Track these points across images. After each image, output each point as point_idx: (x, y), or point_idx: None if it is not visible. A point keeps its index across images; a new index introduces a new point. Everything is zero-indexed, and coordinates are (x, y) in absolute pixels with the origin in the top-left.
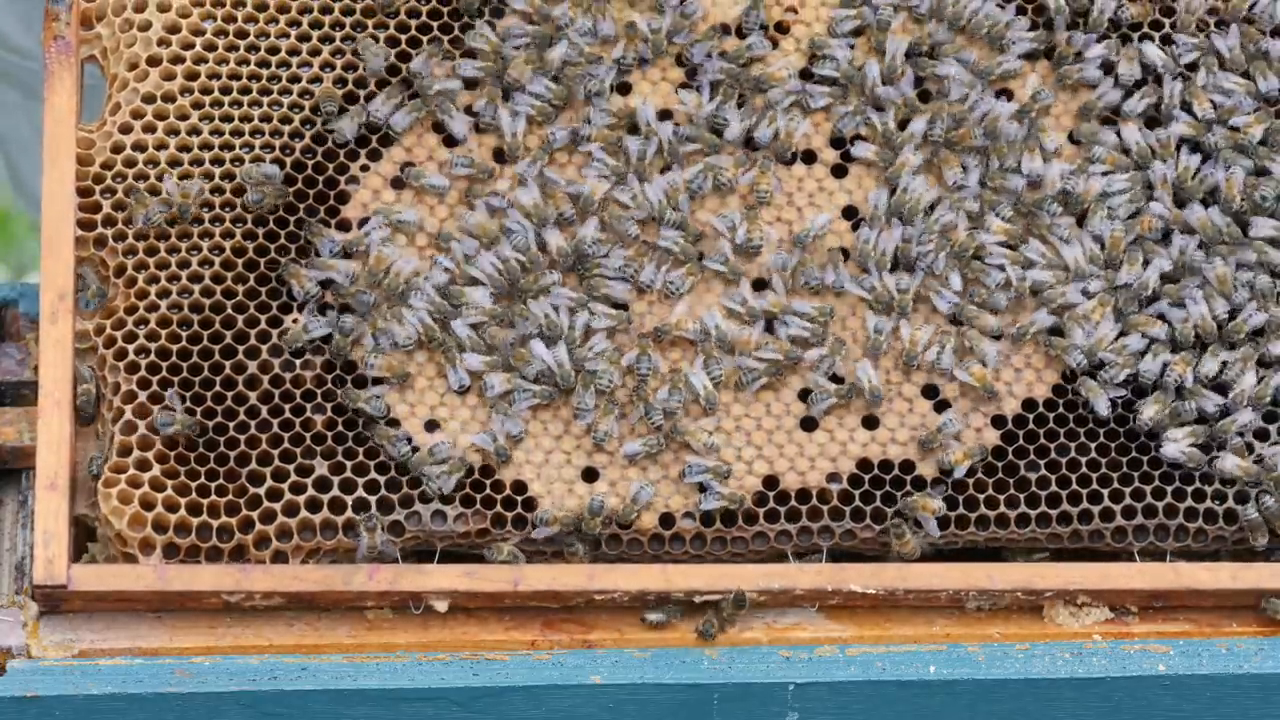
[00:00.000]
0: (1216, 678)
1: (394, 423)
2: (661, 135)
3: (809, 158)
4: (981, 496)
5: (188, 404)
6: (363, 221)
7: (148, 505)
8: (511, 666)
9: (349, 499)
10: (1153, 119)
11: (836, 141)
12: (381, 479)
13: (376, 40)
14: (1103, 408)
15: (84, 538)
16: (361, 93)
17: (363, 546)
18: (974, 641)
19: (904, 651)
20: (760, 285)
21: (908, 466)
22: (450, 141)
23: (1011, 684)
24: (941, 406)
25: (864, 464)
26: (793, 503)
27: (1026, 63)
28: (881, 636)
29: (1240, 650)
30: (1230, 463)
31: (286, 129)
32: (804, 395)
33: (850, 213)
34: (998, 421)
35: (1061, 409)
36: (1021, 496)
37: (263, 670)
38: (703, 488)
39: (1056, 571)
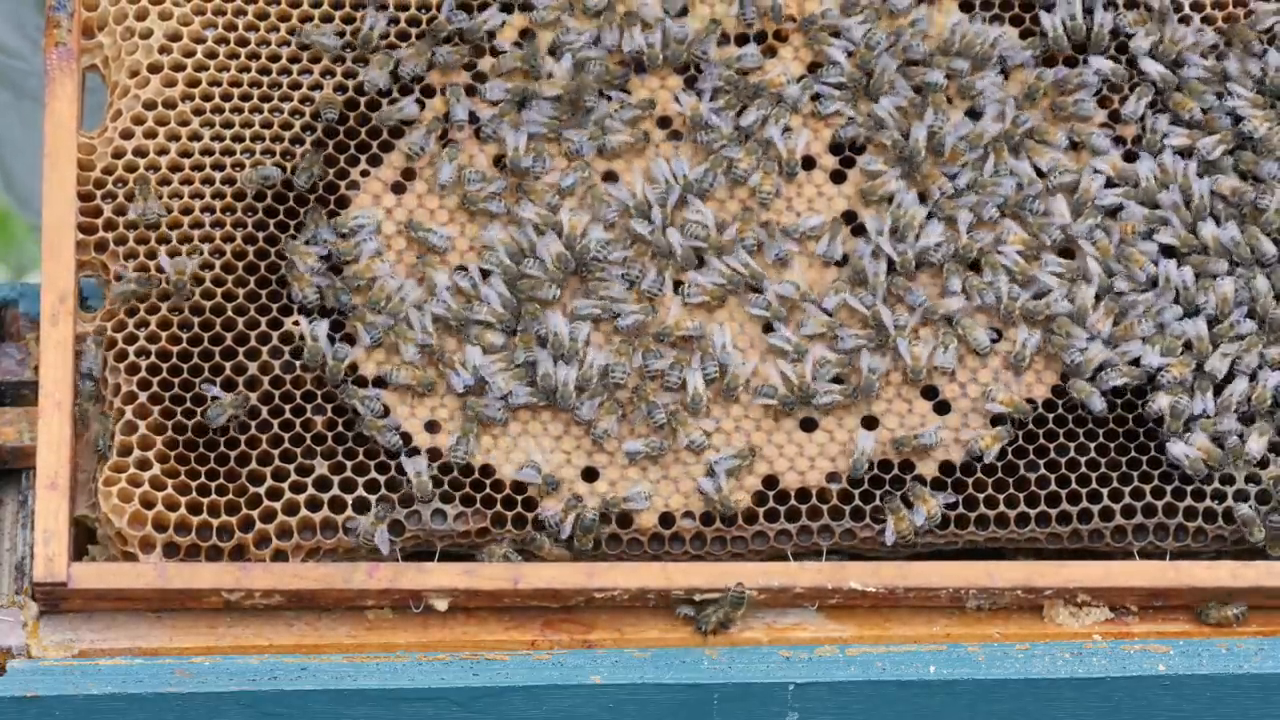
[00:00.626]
0: (1216, 678)
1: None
2: (676, 173)
3: (808, 163)
4: (981, 496)
5: (189, 403)
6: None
7: (148, 504)
8: (511, 666)
9: (349, 498)
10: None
11: (835, 147)
12: (382, 478)
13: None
14: (1097, 404)
15: (84, 540)
16: (362, 100)
17: (363, 525)
18: (974, 641)
19: (904, 651)
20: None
21: (907, 466)
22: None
23: (1011, 684)
24: (942, 407)
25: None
26: (793, 502)
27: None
28: (881, 636)
29: (1240, 650)
30: (1256, 444)
31: (287, 135)
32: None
33: (849, 217)
34: (997, 421)
35: (1061, 409)
36: (1021, 496)
37: (263, 670)
38: (712, 471)
39: (1056, 570)
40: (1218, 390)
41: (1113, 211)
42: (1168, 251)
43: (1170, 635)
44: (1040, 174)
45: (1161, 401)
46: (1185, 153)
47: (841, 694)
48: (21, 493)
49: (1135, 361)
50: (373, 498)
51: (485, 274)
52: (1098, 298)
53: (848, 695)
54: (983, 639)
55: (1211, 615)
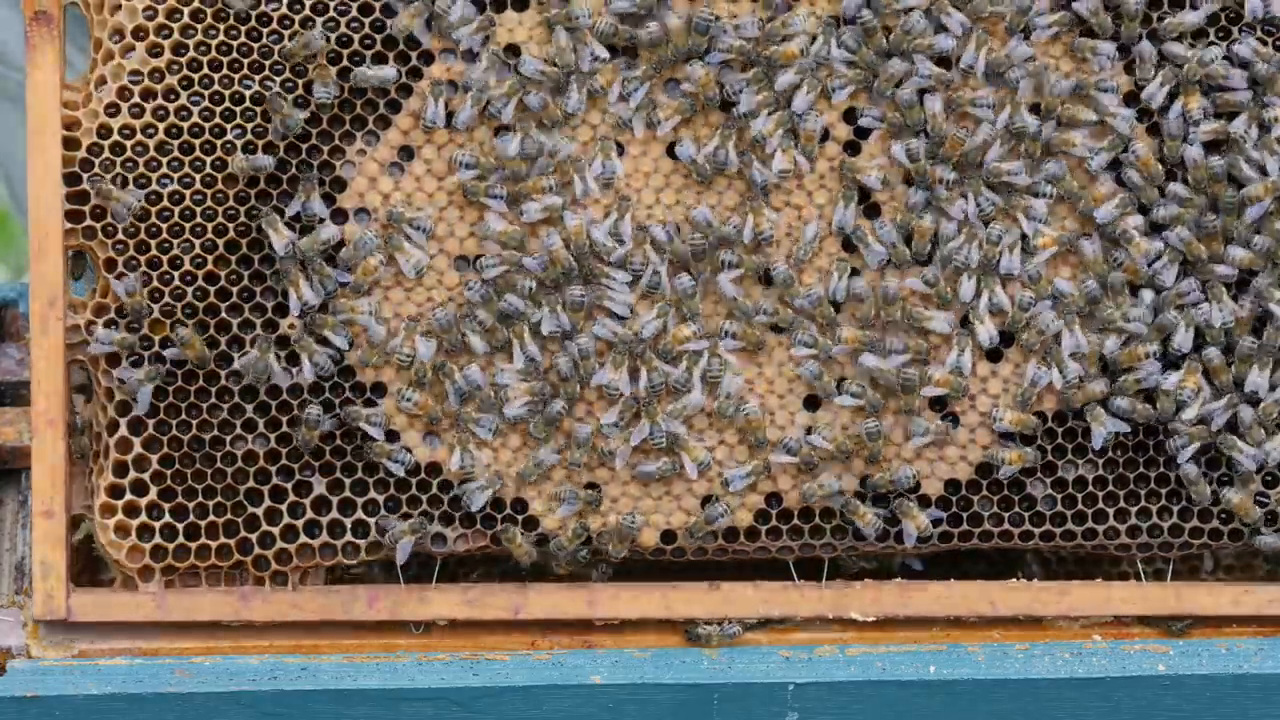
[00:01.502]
0: (1216, 678)
1: (393, 436)
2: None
3: (822, 135)
4: (986, 514)
5: (184, 415)
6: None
7: (145, 532)
8: (511, 666)
9: (348, 521)
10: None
11: (849, 114)
12: (380, 497)
13: None
14: (1098, 440)
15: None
16: (354, 68)
17: (396, 530)
18: (974, 641)
19: (904, 651)
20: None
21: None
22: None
23: (1011, 684)
24: (950, 420)
25: (866, 480)
26: (795, 521)
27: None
28: (881, 637)
29: (1240, 650)
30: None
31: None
32: (810, 403)
33: (863, 195)
34: (1007, 437)
35: (1071, 422)
36: (1026, 515)
37: (263, 670)
38: (726, 482)
39: (1058, 597)
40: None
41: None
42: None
43: (1170, 635)
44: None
45: (1181, 432)
46: (1220, 144)
47: (841, 694)
48: (21, 492)
49: (1143, 393)
50: (372, 520)
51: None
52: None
53: (848, 695)
54: (983, 639)
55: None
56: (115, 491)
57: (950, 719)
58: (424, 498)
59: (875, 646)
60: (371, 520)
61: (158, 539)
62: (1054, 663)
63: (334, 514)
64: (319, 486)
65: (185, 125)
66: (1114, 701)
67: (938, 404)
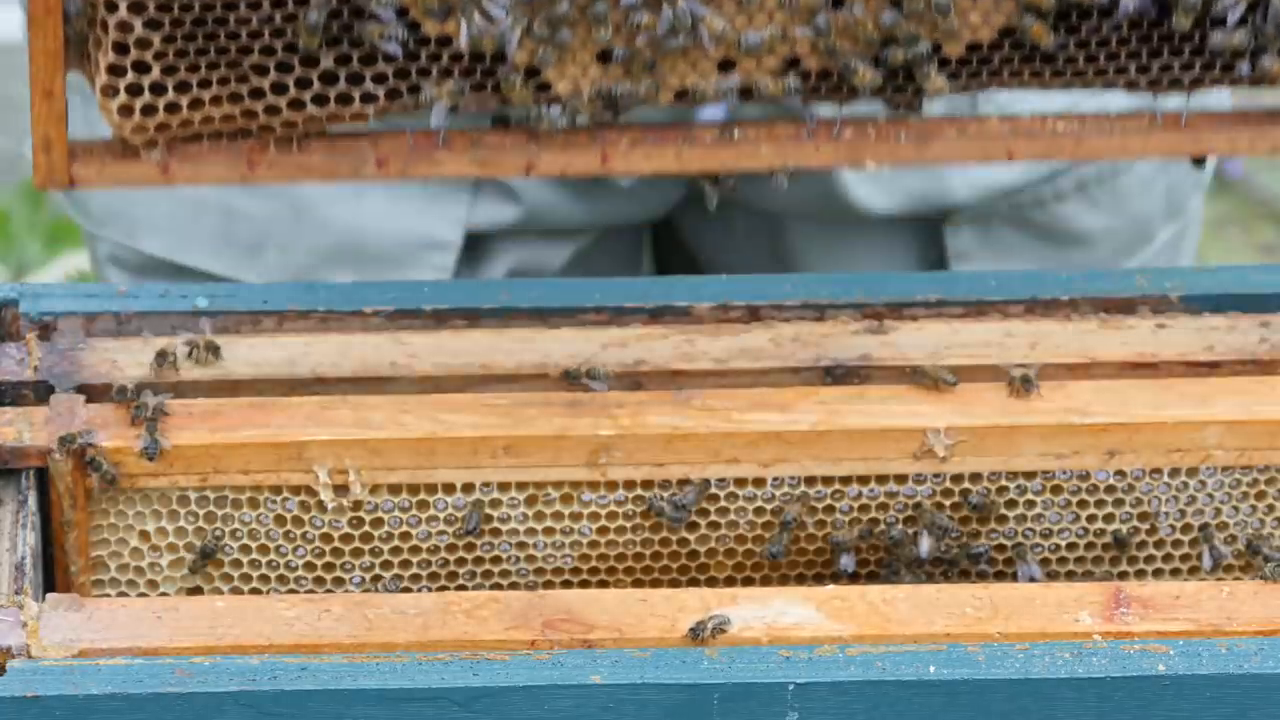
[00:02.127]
0: (1216, 678)
1: (403, 12)
2: None
3: None
4: (1006, 71)
5: None
6: None
7: (149, 109)
8: (511, 666)
9: (356, 92)
10: None
11: None
12: (389, 69)
13: None
14: (1124, 10)
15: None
16: None
17: (429, 92)
18: (974, 641)
19: (904, 651)
20: None
21: (934, 46)
22: None
23: (1011, 684)
24: None
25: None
26: (814, 80)
27: None
28: (881, 636)
29: (1240, 650)
30: None
31: None
32: None
33: None
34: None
35: None
36: (1046, 68)
37: (263, 670)
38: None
39: (1075, 144)
40: None
41: None
42: None
43: (1170, 635)
44: None
45: None
46: None
47: (841, 694)
48: (21, 493)
49: None
50: (381, 90)
51: None
52: None
53: (848, 695)
54: (983, 639)
55: None
56: (116, 70)
57: (950, 719)
58: (434, 69)
59: (875, 646)
60: (380, 89)
61: (161, 115)
62: (1054, 663)
63: (342, 85)
64: (326, 60)
65: None
66: (1114, 701)
67: None
